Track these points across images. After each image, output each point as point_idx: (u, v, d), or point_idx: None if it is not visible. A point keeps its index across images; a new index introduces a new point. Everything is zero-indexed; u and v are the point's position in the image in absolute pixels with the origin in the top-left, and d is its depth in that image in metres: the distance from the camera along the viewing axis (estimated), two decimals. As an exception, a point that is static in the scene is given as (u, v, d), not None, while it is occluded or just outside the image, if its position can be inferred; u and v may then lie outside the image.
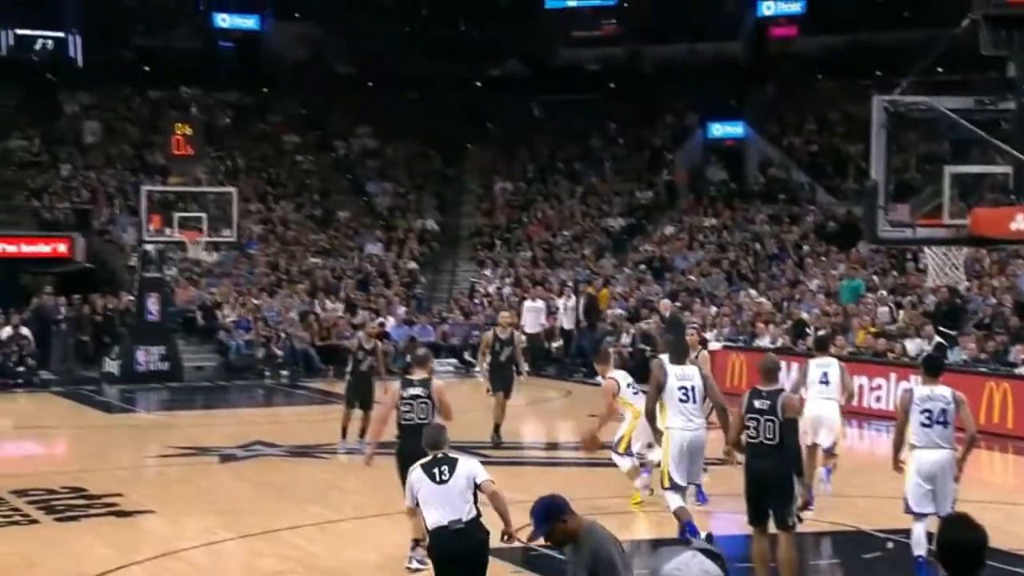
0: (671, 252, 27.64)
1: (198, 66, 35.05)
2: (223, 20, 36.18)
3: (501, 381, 15.32)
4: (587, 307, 24.23)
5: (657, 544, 9.52)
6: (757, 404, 8.41)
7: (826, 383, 11.84)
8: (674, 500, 9.58)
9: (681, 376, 9.60)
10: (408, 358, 23.49)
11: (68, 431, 17.95)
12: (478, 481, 7.06)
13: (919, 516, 8.88)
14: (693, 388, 9.57)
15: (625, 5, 36.98)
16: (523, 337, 15.20)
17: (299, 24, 37.15)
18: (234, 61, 36.38)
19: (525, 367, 15.79)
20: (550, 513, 5.55)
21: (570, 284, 25.63)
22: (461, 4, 38.59)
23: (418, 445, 8.22)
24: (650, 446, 10.66)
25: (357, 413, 14.52)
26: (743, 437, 8.58)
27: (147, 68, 34.22)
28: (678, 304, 23.22)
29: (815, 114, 31.98)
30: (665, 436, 9.58)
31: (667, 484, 9.60)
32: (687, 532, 9.43)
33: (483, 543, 7.01)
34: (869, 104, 10.63)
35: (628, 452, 11.42)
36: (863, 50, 32.50)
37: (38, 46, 33.97)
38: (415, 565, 9.08)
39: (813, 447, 11.65)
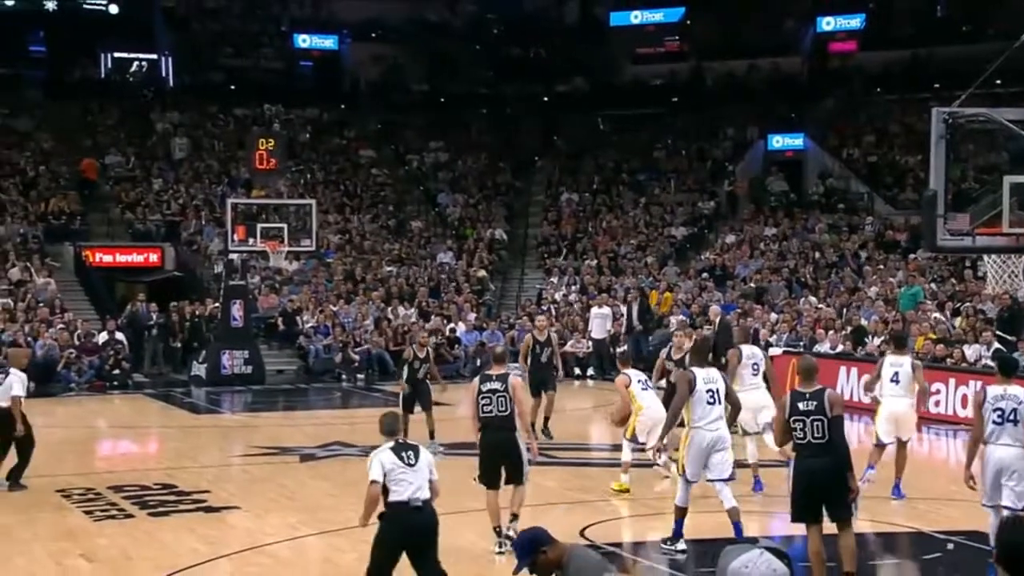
0: (732, 260, 27.44)
1: (280, 85, 35.59)
2: (304, 41, 36.67)
3: (545, 379, 15.53)
4: (640, 311, 24.11)
5: (720, 544, 9.42)
6: (802, 406, 8.34)
7: (896, 381, 11.82)
8: (682, 495, 9.75)
9: (707, 379, 9.73)
10: (483, 358, 23.79)
11: (159, 431, 18.29)
12: (432, 477, 7.68)
13: (993, 509, 8.69)
14: (718, 391, 9.72)
15: (688, 23, 36.81)
16: (557, 337, 15.50)
17: (375, 44, 37.51)
18: (314, 80, 36.86)
19: (559, 365, 16.00)
20: (530, 546, 5.48)
21: (625, 290, 25.57)
22: (530, 24, 38.72)
23: (497, 436, 9.36)
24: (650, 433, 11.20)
25: (413, 417, 14.65)
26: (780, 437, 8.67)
27: (233, 87, 34.81)
28: (738, 310, 23.06)
29: (874, 126, 31.59)
30: (687, 433, 9.74)
31: (681, 472, 9.86)
32: (676, 526, 9.70)
33: (436, 521, 7.65)
34: (928, 116, 10.49)
35: (634, 439, 12.09)
36: (922, 64, 32.07)
37: (133, 68, 34.73)
38: (500, 549, 9.51)
39: (883, 447, 11.84)
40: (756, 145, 32.82)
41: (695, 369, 9.86)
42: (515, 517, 9.84)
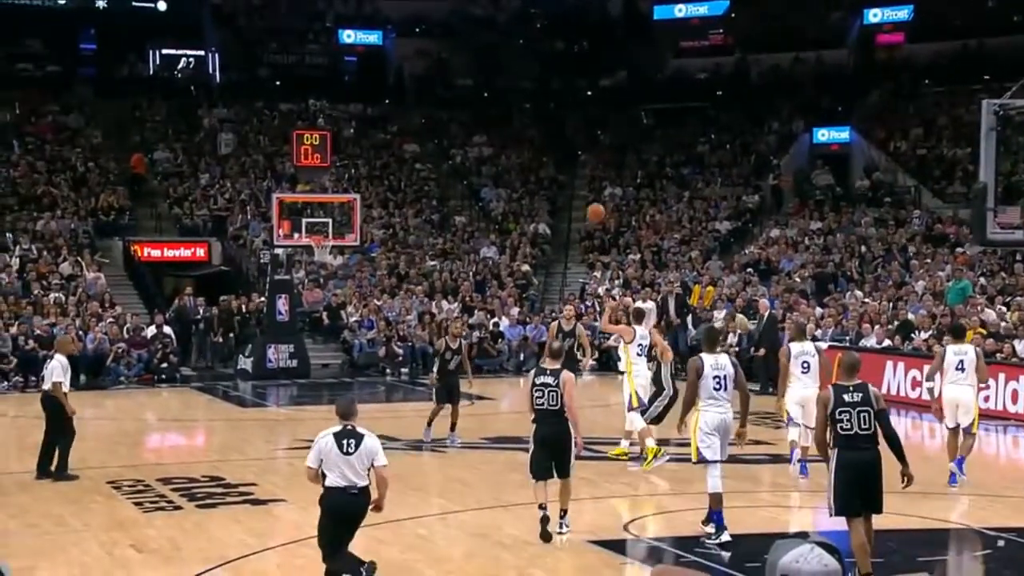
0: (776, 255, 27.22)
1: (325, 80, 35.77)
2: (348, 36, 36.83)
3: (567, 366, 15.49)
4: (678, 305, 23.97)
5: (765, 538, 9.35)
6: (847, 397, 8.36)
7: (962, 369, 12.20)
8: (714, 481, 9.92)
9: (715, 365, 9.99)
10: (526, 353, 23.82)
11: (206, 424, 18.47)
12: (376, 463, 7.92)
13: None
14: (726, 376, 9.98)
15: (733, 16, 36.55)
16: (583, 329, 15.60)
17: (420, 39, 37.60)
18: (358, 75, 37.02)
19: (585, 353, 15.88)
20: None
21: (662, 284, 25.44)
22: (574, 18, 38.62)
23: (548, 429, 9.79)
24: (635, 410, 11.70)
25: (446, 409, 14.72)
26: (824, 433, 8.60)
27: (278, 83, 35.04)
28: (783, 304, 22.90)
29: (922, 119, 31.18)
30: (696, 416, 10.02)
31: (696, 459, 10.05)
32: (716, 518, 9.83)
33: (366, 507, 8.01)
34: (977, 109, 10.34)
35: (641, 407, 12.64)
36: (972, 55, 31.61)
37: (181, 65, 35.08)
38: (564, 531, 9.90)
39: (955, 429, 12.22)
40: (801, 139, 32.51)
41: (704, 355, 10.10)
42: (564, 513, 10.01)
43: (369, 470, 7.92)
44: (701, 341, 10.85)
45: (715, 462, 9.91)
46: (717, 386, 9.94)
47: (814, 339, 16.65)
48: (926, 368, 18.51)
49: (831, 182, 30.61)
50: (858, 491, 8.34)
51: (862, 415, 8.31)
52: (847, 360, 8.75)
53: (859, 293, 23.57)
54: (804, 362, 12.69)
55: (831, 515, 8.51)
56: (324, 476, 7.91)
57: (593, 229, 30.33)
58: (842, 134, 31.93)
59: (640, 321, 13.75)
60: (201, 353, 24.29)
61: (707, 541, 9.82)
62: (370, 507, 8.06)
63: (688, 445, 10.34)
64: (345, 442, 7.87)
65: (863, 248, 26.34)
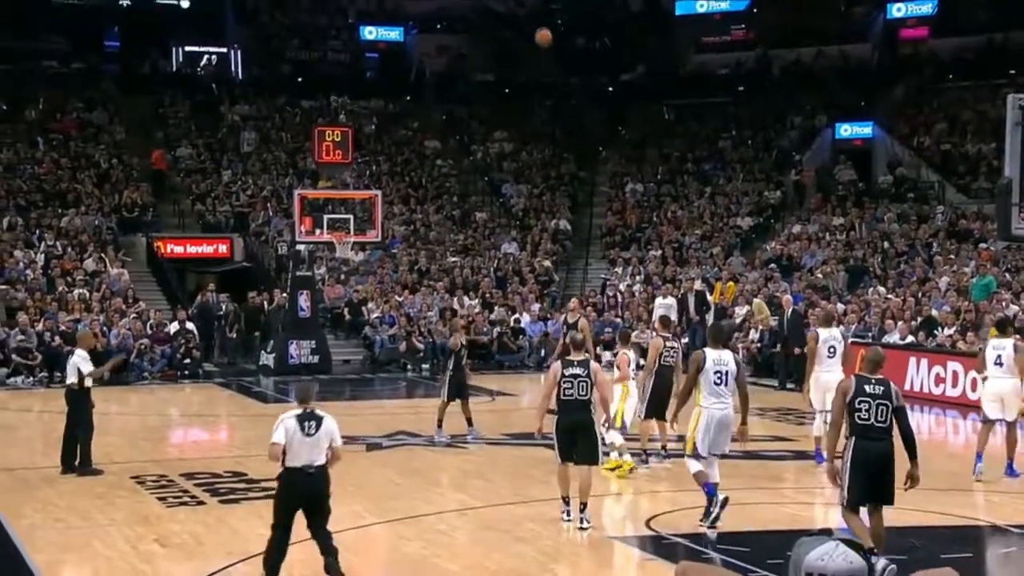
0: (799, 251, 27.10)
1: (347, 76, 35.86)
2: (370, 33, 36.93)
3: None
4: (697, 302, 23.87)
5: (789, 535, 9.32)
6: (868, 389, 8.49)
7: (1000, 364, 12.39)
8: (694, 465, 10.17)
9: (718, 361, 10.16)
10: (546, 348, 23.78)
11: (229, 419, 18.55)
12: (335, 443, 8.33)
13: None
14: (727, 372, 10.13)
15: (754, 11, 36.41)
16: (585, 322, 15.69)
17: (440, 35, 37.65)
18: (380, 71, 37.09)
19: (589, 348, 15.98)
20: None
21: (682, 280, 25.35)
22: (595, 13, 38.56)
23: (576, 418, 10.02)
24: (607, 427, 11.35)
25: (453, 405, 14.76)
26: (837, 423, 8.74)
27: (300, 79, 35.14)
28: (806, 299, 22.80)
29: (946, 114, 30.96)
30: (696, 412, 10.20)
31: (690, 452, 10.24)
32: (707, 491, 10.05)
33: (326, 485, 8.36)
34: (1002, 103, 10.24)
35: (623, 427, 12.58)
36: (996, 50, 31.37)
37: (203, 62, 35.23)
38: (586, 525, 10.05)
39: (991, 423, 12.42)
40: (823, 134, 32.34)
41: (707, 350, 10.28)
42: (584, 507, 10.09)
43: (328, 449, 8.33)
44: (707, 336, 11.02)
45: (704, 458, 10.11)
46: (718, 381, 10.08)
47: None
48: (950, 364, 18.54)
49: (854, 177, 30.45)
50: (871, 481, 8.45)
51: (880, 407, 8.44)
52: (872, 355, 8.88)
53: (882, 289, 23.44)
54: (831, 347, 13.01)
55: (843, 504, 8.56)
56: (285, 455, 8.28)
57: (614, 226, 30.29)
58: (865, 129, 31.74)
59: (667, 328, 13.71)
60: (224, 349, 24.38)
61: (713, 511, 9.96)
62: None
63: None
64: (307, 424, 8.25)
65: (886, 244, 26.18)
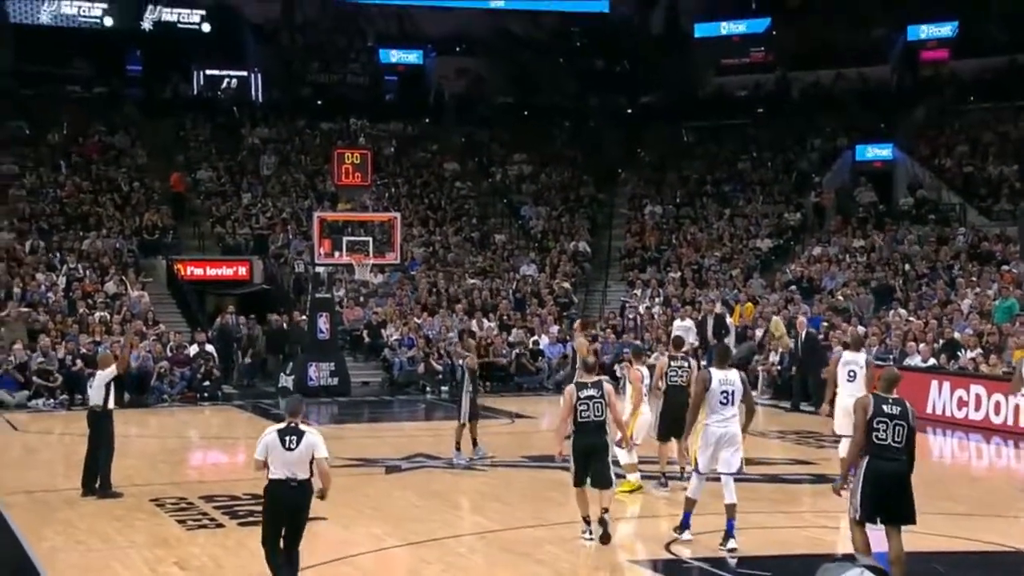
0: (819, 273, 27.04)
1: (366, 99, 36.09)
2: (389, 56, 37.19)
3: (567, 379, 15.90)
4: (716, 325, 23.80)
5: (812, 560, 9.29)
6: (886, 408, 8.56)
7: None
8: (693, 487, 10.42)
9: (723, 380, 10.36)
10: (564, 370, 23.76)
11: (248, 441, 18.50)
12: (317, 455, 8.49)
13: None
14: (733, 392, 10.34)
15: (773, 33, 36.49)
16: (583, 341, 16.04)
17: (460, 58, 37.88)
18: (399, 94, 37.31)
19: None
20: None
21: (701, 303, 25.30)
22: (614, 36, 38.74)
23: (592, 440, 10.30)
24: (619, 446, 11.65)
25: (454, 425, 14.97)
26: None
27: (319, 102, 35.38)
28: (827, 322, 22.73)
29: (967, 136, 30.90)
30: (699, 429, 10.46)
31: (694, 466, 10.55)
32: (684, 517, 10.42)
33: (307, 499, 8.57)
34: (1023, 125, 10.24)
35: (631, 445, 12.47)
36: (1017, 71, 31.33)
37: (224, 85, 35.53)
38: (587, 537, 10.43)
39: None
40: (844, 156, 32.32)
41: (712, 369, 10.50)
42: (606, 510, 10.37)
43: (311, 463, 8.50)
44: (715, 357, 11.20)
45: (705, 473, 10.36)
46: (724, 400, 10.28)
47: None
48: (973, 387, 18.43)
49: (874, 199, 30.40)
50: (885, 500, 8.51)
51: (897, 428, 8.52)
52: (888, 375, 8.99)
53: (903, 311, 23.34)
54: (851, 371, 13.09)
55: (855, 518, 8.62)
56: (269, 468, 8.55)
57: (633, 248, 30.29)
58: (885, 151, 31.70)
59: (679, 348, 13.74)
60: (243, 371, 24.42)
61: (676, 535, 10.37)
62: (315, 495, 8.62)
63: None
64: (287, 439, 8.49)
65: (907, 266, 26.10)
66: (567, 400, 10.48)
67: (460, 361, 15.33)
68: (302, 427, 8.62)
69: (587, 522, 10.44)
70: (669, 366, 13.11)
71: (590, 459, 10.31)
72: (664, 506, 12.47)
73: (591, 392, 10.34)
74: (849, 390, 12.87)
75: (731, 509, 10.19)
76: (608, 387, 10.51)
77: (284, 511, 8.57)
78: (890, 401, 8.61)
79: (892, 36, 34.89)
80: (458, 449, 14.88)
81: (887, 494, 8.49)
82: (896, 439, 8.50)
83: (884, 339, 21.67)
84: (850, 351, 13.41)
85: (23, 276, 24.62)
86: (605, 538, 10.23)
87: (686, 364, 13.28)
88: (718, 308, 24.44)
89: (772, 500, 12.50)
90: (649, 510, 12.33)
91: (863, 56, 34.69)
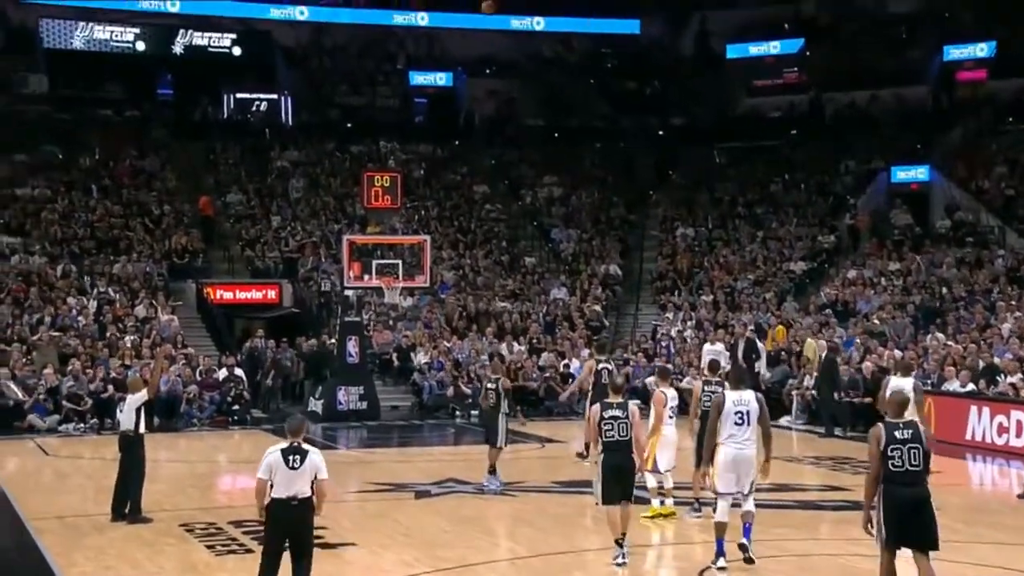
0: (854, 296, 26.89)
1: (396, 122, 36.31)
2: (419, 78, 37.42)
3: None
4: (746, 349, 23.68)
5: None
6: (899, 435, 8.63)
7: None
8: (720, 511, 10.48)
9: (738, 401, 10.53)
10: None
11: (277, 465, 18.61)
12: (319, 476, 8.76)
13: None
14: (748, 412, 10.49)
15: (807, 54, 36.46)
16: (591, 363, 16.60)
17: (489, 80, 38.07)
18: (429, 116, 37.52)
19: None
20: None
21: (735, 326, 25.18)
22: (645, 57, 38.82)
23: (620, 461, 10.64)
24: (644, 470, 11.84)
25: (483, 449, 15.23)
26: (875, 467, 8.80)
27: (349, 125, 35.65)
28: (862, 345, 22.59)
29: (1006, 157, 30.69)
30: (717, 450, 10.56)
31: (713, 489, 10.69)
32: (717, 545, 10.37)
33: (309, 517, 8.85)
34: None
35: (655, 469, 12.59)
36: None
37: (254, 108, 35.89)
38: (619, 562, 10.57)
39: None
40: (879, 177, 32.19)
41: (727, 392, 10.75)
42: (623, 535, 10.60)
43: (313, 482, 8.76)
44: (730, 378, 11.41)
45: (727, 495, 10.43)
46: (739, 421, 10.44)
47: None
48: (1014, 413, 18.23)
49: (910, 222, 30.23)
50: (908, 526, 8.56)
51: (912, 451, 8.59)
52: (897, 397, 9.07)
53: (941, 336, 23.16)
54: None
55: (881, 547, 8.67)
56: (272, 487, 8.80)
57: (665, 270, 30.27)
58: (921, 173, 31.54)
59: (715, 372, 13.68)
60: (272, 395, 24.50)
61: (713, 566, 10.32)
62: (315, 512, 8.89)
63: None
64: (291, 458, 8.72)
65: (944, 289, 25.92)
66: (592, 420, 10.92)
67: (490, 384, 15.28)
68: (305, 446, 8.84)
69: (619, 544, 10.62)
70: (703, 390, 13.07)
71: (622, 476, 10.66)
72: (696, 532, 12.41)
73: (616, 412, 10.66)
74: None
75: (748, 515, 10.45)
76: (633, 407, 10.81)
77: (286, 530, 8.81)
78: (901, 426, 8.68)
79: (928, 56, 34.78)
80: (492, 473, 14.92)
81: (908, 519, 8.55)
82: (912, 463, 8.57)
83: (922, 363, 21.50)
84: (897, 376, 13.52)
85: (54, 300, 24.89)
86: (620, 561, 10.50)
87: (720, 388, 13.22)
88: (749, 332, 24.33)
89: (806, 527, 12.43)
90: (681, 537, 12.28)
91: (899, 77, 34.57)
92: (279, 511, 8.75)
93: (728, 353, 23.52)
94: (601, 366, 16.71)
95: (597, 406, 10.90)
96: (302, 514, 8.77)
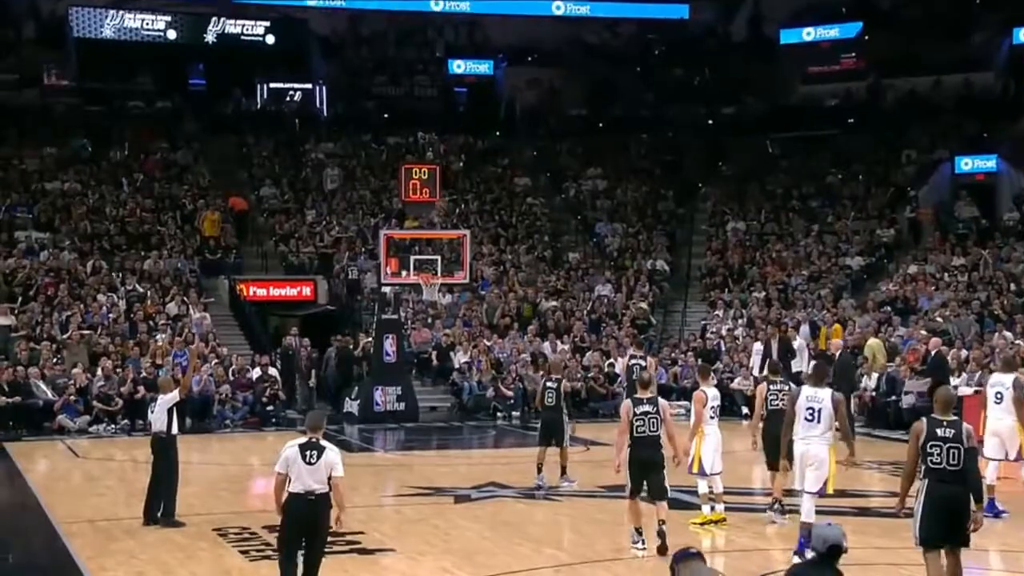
0: (915, 292, 26.60)
1: (434, 112, 36.33)
2: (458, 67, 37.44)
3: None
4: (781, 349, 23.36)
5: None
6: (940, 432, 8.80)
7: None
8: (805, 509, 11.02)
9: (811, 398, 11.05)
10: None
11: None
12: (334, 474, 9.00)
13: None
14: (820, 410, 10.95)
15: (866, 38, 36.08)
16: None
17: (531, 68, 38.01)
18: (468, 106, 37.52)
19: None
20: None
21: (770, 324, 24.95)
22: (694, 44, 38.57)
23: (648, 452, 11.18)
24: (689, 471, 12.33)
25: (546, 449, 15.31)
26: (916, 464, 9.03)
27: (386, 115, 35.72)
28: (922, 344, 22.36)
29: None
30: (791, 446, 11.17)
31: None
32: (800, 544, 10.70)
33: (325, 513, 9.08)
34: None
35: (701, 472, 12.66)
36: None
37: (288, 99, 36.06)
38: (640, 548, 11.22)
39: None
40: (942, 168, 31.82)
41: (804, 387, 11.30)
42: (663, 522, 11.09)
43: (329, 479, 9.02)
44: (810, 373, 11.91)
45: (805, 492, 10.98)
46: (810, 417, 10.94)
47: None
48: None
49: (976, 214, 29.88)
50: (943, 524, 8.72)
51: (952, 451, 8.74)
52: (943, 395, 9.20)
53: (1008, 334, 22.88)
54: (998, 393, 13.43)
55: (915, 544, 8.90)
56: (289, 481, 9.08)
57: (714, 266, 30.06)
58: (988, 163, 31.15)
59: (776, 373, 13.65)
60: (306, 395, 24.61)
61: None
62: (332, 521, 9.13)
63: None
64: (308, 453, 9.01)
65: (1012, 285, 25.58)
66: (624, 415, 11.35)
67: (551, 384, 15.33)
68: (323, 443, 9.12)
69: (639, 532, 11.23)
70: (769, 390, 13.04)
71: (647, 472, 11.17)
72: (749, 539, 12.35)
73: (646, 408, 11.20)
74: (996, 413, 13.32)
75: (805, 527, 10.64)
76: (663, 403, 11.40)
77: (302, 525, 9.08)
78: (944, 424, 8.82)
79: (996, 40, 34.30)
80: (564, 474, 15.26)
81: (945, 517, 8.71)
82: (951, 462, 8.72)
83: (988, 363, 21.21)
84: (998, 372, 13.92)
85: (84, 297, 25.15)
86: (662, 549, 10.72)
87: (786, 388, 13.14)
88: (780, 331, 24.00)
89: (866, 534, 12.30)
90: (732, 544, 12.22)
91: (964, 62, 34.14)
92: (295, 506, 9.03)
93: (761, 352, 23.16)
94: (633, 362, 16.93)
95: (628, 401, 11.48)
96: (318, 509, 9.04)
